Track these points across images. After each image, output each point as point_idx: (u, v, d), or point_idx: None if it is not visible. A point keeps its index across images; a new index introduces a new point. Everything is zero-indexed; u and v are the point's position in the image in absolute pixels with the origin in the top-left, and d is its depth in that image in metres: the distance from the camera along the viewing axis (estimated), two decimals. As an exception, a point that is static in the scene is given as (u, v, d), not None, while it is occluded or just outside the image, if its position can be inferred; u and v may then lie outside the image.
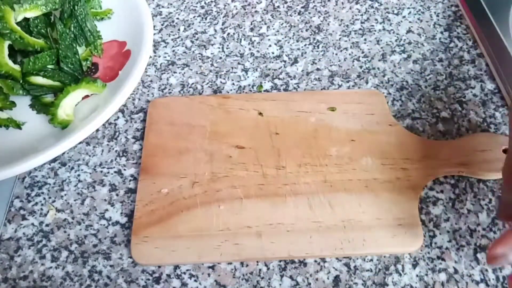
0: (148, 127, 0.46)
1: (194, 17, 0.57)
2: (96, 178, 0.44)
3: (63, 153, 0.45)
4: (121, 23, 0.50)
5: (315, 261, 0.39)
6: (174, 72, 0.51)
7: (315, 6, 0.57)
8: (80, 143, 0.45)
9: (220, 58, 0.52)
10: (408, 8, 0.57)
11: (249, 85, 0.50)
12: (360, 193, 0.41)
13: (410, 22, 0.55)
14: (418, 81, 0.50)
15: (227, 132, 0.45)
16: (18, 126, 0.43)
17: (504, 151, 0.42)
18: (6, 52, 0.43)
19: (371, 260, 0.39)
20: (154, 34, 0.55)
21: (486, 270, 0.38)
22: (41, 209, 0.42)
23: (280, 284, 0.38)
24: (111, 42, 0.49)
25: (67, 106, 0.43)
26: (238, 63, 0.52)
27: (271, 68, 0.51)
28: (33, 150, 0.39)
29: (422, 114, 0.47)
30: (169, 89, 0.50)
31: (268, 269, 0.39)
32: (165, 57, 0.53)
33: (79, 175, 0.44)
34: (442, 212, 0.41)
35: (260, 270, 0.39)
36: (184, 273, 0.39)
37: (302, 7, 0.57)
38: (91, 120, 0.40)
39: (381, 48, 0.53)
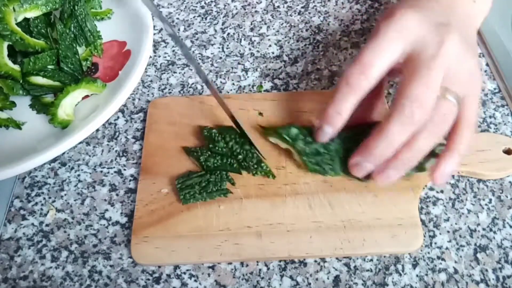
0: (148, 127, 0.46)
1: (194, 17, 0.57)
2: (96, 178, 0.44)
3: (63, 153, 0.45)
4: (121, 23, 0.50)
5: (315, 261, 0.39)
6: (174, 72, 0.51)
7: (315, 6, 0.57)
8: (80, 143, 0.45)
9: (220, 58, 0.52)
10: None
11: (249, 85, 0.50)
12: (360, 193, 0.41)
13: (410, 22, 0.55)
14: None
15: (227, 132, 0.45)
16: (18, 126, 0.43)
17: (504, 151, 0.42)
18: (6, 52, 0.43)
19: (371, 260, 0.39)
20: (154, 34, 0.55)
21: (486, 270, 0.38)
22: (41, 209, 0.42)
23: (280, 284, 0.38)
24: (111, 42, 0.49)
25: (67, 106, 0.43)
26: (238, 63, 0.52)
27: (271, 68, 0.51)
28: (33, 150, 0.39)
29: (422, 114, 0.47)
30: (169, 89, 0.50)
31: (268, 269, 0.39)
32: (165, 57, 0.53)
33: (79, 175, 0.44)
34: (442, 212, 0.41)
35: (260, 270, 0.39)
36: (184, 273, 0.39)
37: (302, 7, 0.57)
38: (91, 120, 0.40)
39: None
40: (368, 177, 0.39)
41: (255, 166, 0.41)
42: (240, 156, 0.41)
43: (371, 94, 0.37)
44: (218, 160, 0.42)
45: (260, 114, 0.46)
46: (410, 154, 0.36)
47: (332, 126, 0.38)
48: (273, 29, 0.55)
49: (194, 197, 0.40)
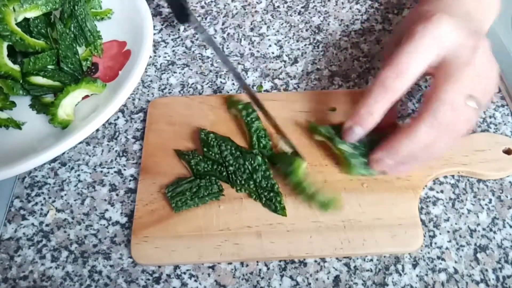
0: (148, 127, 0.46)
1: (194, 17, 0.57)
2: (96, 178, 0.44)
3: (63, 153, 0.45)
4: (121, 23, 0.50)
5: (315, 261, 0.39)
6: (174, 72, 0.51)
7: (315, 6, 0.57)
8: (80, 143, 0.45)
9: (220, 58, 0.52)
10: (408, 8, 0.57)
11: (249, 85, 0.50)
12: (360, 193, 0.41)
13: (410, 22, 0.55)
14: (417, 81, 0.49)
15: (227, 132, 0.44)
16: (18, 126, 0.43)
17: (504, 151, 0.42)
18: (5, 52, 0.43)
19: (371, 260, 0.39)
20: (154, 34, 0.55)
21: (486, 270, 0.38)
22: (41, 209, 0.42)
23: (280, 284, 0.38)
24: (111, 42, 0.49)
25: (67, 106, 0.43)
26: (238, 63, 0.52)
27: (271, 68, 0.51)
28: (33, 150, 0.39)
29: (422, 114, 0.47)
30: (169, 89, 0.50)
31: (268, 269, 0.39)
32: (165, 57, 0.53)
33: (79, 175, 0.44)
34: (442, 212, 0.41)
35: (260, 270, 0.39)
36: (184, 273, 0.39)
37: (302, 7, 0.57)
38: (91, 120, 0.40)
39: (381, 48, 0.53)
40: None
41: (243, 183, 0.41)
42: (231, 168, 0.41)
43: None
44: (209, 165, 0.42)
45: (260, 114, 0.46)
46: (428, 154, 0.37)
47: (362, 127, 0.38)
48: (273, 29, 0.55)
49: (186, 204, 0.40)
